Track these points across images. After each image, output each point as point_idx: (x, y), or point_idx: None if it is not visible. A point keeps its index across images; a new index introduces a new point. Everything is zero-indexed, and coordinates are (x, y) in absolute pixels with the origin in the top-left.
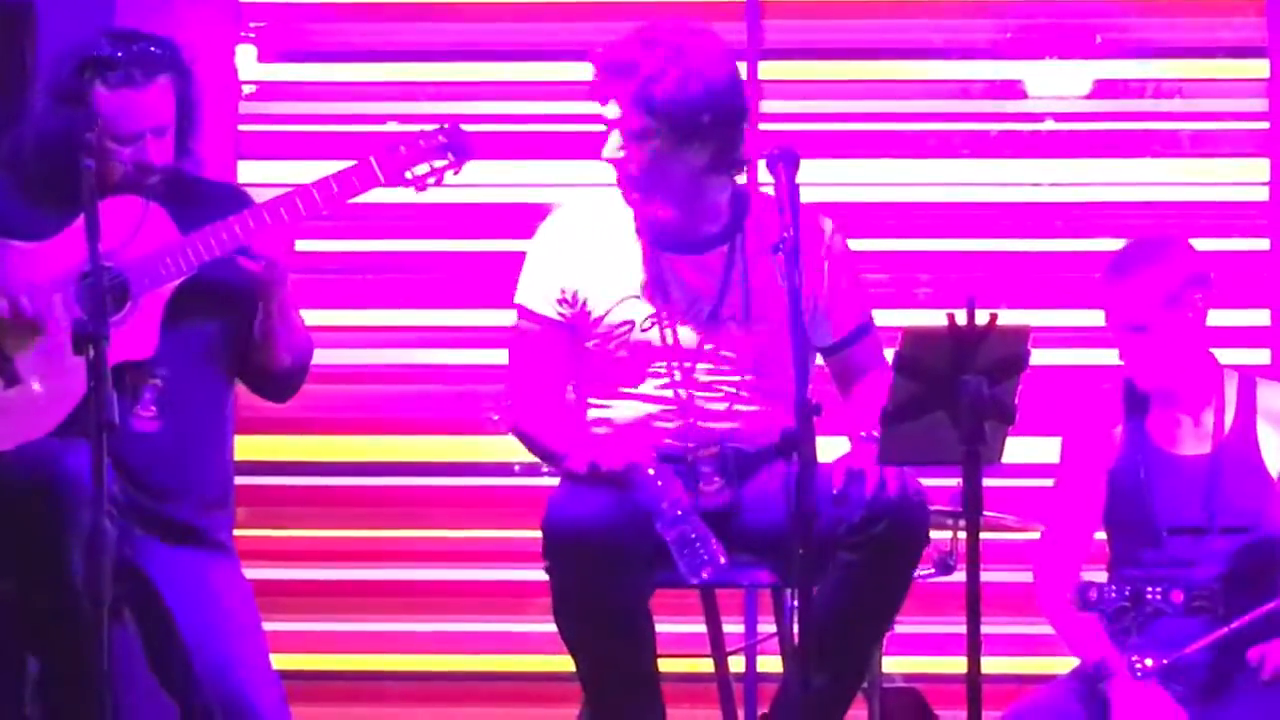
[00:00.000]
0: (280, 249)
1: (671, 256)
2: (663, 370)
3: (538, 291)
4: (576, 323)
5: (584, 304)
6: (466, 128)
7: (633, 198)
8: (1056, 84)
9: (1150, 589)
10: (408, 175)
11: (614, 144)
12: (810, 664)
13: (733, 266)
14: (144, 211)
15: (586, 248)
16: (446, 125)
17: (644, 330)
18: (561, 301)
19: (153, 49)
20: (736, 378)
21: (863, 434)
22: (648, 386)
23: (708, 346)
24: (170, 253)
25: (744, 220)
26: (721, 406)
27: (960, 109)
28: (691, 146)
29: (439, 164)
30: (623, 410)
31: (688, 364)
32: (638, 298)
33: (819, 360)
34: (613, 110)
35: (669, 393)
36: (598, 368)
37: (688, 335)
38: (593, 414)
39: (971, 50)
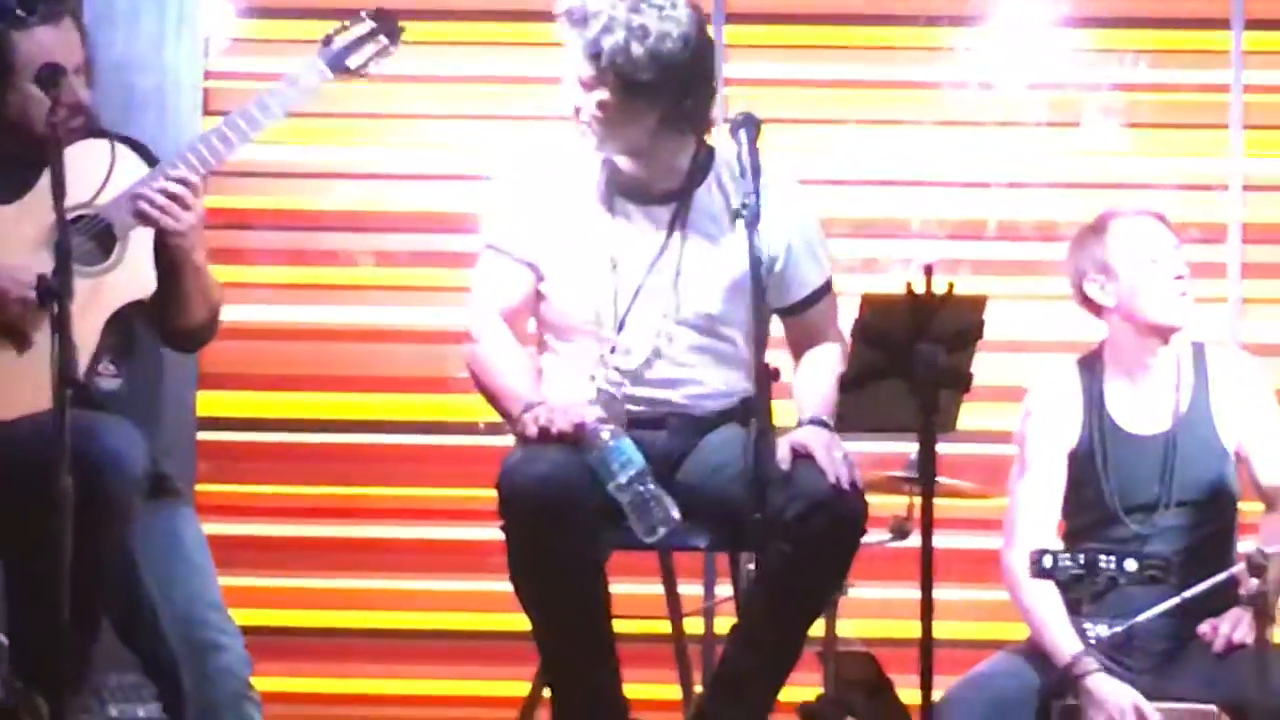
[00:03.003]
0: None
1: (626, 205)
2: (610, 329)
3: (508, 231)
4: (539, 269)
5: (546, 254)
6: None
7: (589, 144)
8: (1021, 52)
9: (1105, 557)
10: (350, 65)
11: (570, 92)
12: (745, 642)
13: (678, 225)
14: (112, 152)
15: (552, 198)
16: (370, 10)
17: (596, 286)
18: (529, 243)
19: None
20: (694, 339)
21: (809, 418)
22: (590, 343)
23: (652, 307)
24: (146, 185)
25: (701, 181)
26: (672, 371)
27: (925, 76)
28: (638, 103)
29: (371, 49)
30: (571, 367)
31: (637, 323)
32: (593, 255)
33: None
34: (569, 58)
35: (615, 355)
36: (551, 321)
37: (638, 293)
38: (545, 366)
39: (936, 17)
